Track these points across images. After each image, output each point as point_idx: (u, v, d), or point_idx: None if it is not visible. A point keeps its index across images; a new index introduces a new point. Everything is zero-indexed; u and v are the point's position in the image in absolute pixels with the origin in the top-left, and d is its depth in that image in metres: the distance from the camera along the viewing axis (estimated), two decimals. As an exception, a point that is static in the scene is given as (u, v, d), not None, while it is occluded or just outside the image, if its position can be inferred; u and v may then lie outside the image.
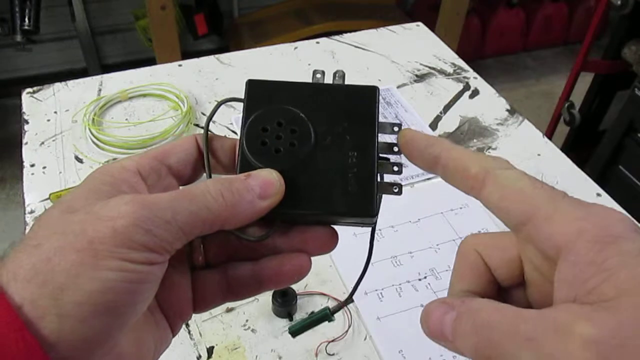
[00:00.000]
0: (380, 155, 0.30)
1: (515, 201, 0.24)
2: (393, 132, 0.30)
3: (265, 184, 0.27)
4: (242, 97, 0.31)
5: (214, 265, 0.30)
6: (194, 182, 0.31)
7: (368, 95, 0.30)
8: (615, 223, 0.22)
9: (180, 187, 0.30)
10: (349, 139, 0.29)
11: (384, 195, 0.30)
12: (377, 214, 0.29)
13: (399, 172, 0.30)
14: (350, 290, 0.59)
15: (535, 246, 0.24)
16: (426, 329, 0.25)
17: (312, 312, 0.57)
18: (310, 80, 0.31)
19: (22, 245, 0.23)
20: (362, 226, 0.30)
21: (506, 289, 0.28)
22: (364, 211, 0.28)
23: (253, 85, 0.31)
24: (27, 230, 0.65)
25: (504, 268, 0.27)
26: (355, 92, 0.30)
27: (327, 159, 0.29)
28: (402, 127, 0.30)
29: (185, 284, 0.29)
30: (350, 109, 0.30)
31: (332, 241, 0.30)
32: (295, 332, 0.55)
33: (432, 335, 0.25)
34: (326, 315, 0.55)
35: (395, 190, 0.29)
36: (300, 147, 0.29)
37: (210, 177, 0.29)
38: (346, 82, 0.31)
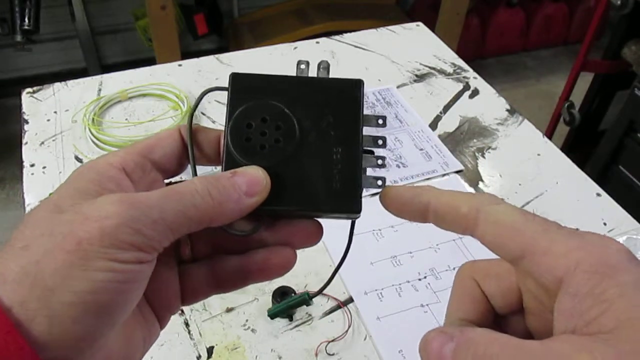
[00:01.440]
0: (365, 148, 0.30)
1: (509, 237, 0.24)
2: (378, 125, 0.30)
3: (251, 181, 0.27)
4: (226, 86, 0.30)
5: (200, 258, 0.30)
6: (179, 174, 0.31)
7: (352, 89, 0.30)
8: (612, 253, 0.22)
9: (167, 184, 0.30)
10: (334, 134, 0.29)
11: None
12: (360, 211, 0.29)
13: (383, 166, 0.30)
14: (350, 290, 0.59)
15: (534, 279, 0.24)
16: (426, 358, 0.25)
17: (292, 296, 0.57)
18: (294, 72, 0.31)
19: (9, 246, 0.23)
20: (347, 219, 0.30)
21: (504, 316, 0.28)
22: (349, 208, 0.29)
23: (237, 79, 0.30)
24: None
25: (501, 296, 0.27)
26: (339, 85, 0.30)
27: (312, 155, 0.29)
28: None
29: (173, 277, 0.29)
30: (334, 103, 0.30)
31: (317, 234, 0.30)
32: (273, 314, 0.56)
33: None
34: (304, 300, 0.55)
35: (379, 184, 0.30)
36: (285, 143, 0.29)
37: (194, 171, 0.30)
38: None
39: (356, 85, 0.30)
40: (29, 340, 0.21)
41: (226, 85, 0.31)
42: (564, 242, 0.23)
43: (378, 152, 0.30)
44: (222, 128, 0.30)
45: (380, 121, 0.30)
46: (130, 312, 0.25)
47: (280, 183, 0.28)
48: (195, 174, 0.29)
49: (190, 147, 0.30)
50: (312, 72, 0.31)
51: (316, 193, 0.29)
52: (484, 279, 0.28)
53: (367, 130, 0.30)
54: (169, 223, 0.24)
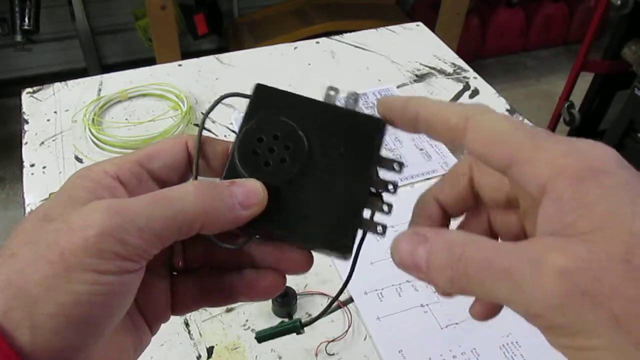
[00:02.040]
0: (374, 190, 0.29)
1: (497, 146, 0.23)
2: (394, 170, 0.29)
3: (248, 192, 0.26)
4: (244, 92, 0.30)
5: (193, 269, 0.30)
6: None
7: (372, 127, 0.29)
8: (598, 157, 0.21)
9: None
10: (343, 167, 0.28)
11: None
12: (351, 252, 0.28)
13: (388, 213, 0.29)
14: (350, 290, 0.59)
15: (522, 187, 0.23)
16: (397, 259, 0.24)
17: (283, 322, 0.54)
18: (323, 94, 0.30)
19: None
20: (336, 258, 0.29)
21: (493, 210, 0.28)
22: (339, 248, 0.27)
23: (260, 91, 0.29)
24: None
25: (494, 191, 0.27)
26: (361, 120, 0.29)
27: (315, 183, 0.28)
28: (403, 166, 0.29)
29: (164, 286, 0.29)
30: (351, 137, 0.29)
31: (306, 264, 0.29)
32: (260, 338, 0.53)
33: (402, 266, 0.24)
34: (295, 327, 0.52)
35: (379, 231, 0.28)
36: (291, 165, 0.28)
37: (196, 178, 0.29)
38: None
39: (376, 124, 0.29)
40: (14, 349, 0.21)
41: (227, 93, 0.30)
42: (551, 149, 0.22)
43: (387, 198, 0.29)
44: (233, 135, 0.30)
45: (397, 167, 0.29)
46: (119, 322, 0.24)
47: (277, 204, 0.27)
48: (196, 179, 0.29)
49: (196, 153, 0.29)
50: (339, 94, 0.31)
51: (309, 223, 0.27)
52: (483, 171, 0.28)
53: (381, 173, 0.29)
54: (157, 230, 0.23)
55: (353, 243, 0.28)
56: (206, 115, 0.31)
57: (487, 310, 0.28)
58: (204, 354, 0.54)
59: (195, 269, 0.30)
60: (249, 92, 0.30)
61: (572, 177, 0.21)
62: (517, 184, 0.24)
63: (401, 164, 0.29)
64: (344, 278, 0.31)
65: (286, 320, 0.56)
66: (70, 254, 0.22)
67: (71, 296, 0.22)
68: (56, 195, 0.25)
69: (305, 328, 0.55)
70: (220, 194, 0.25)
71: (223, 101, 0.31)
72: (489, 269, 0.21)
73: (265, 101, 0.29)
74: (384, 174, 0.29)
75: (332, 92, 0.30)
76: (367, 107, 0.84)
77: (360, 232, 0.28)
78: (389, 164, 0.29)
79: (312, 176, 0.28)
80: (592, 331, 0.19)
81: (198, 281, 0.30)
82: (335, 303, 0.58)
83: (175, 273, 0.30)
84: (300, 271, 0.29)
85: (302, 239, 0.28)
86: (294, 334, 0.52)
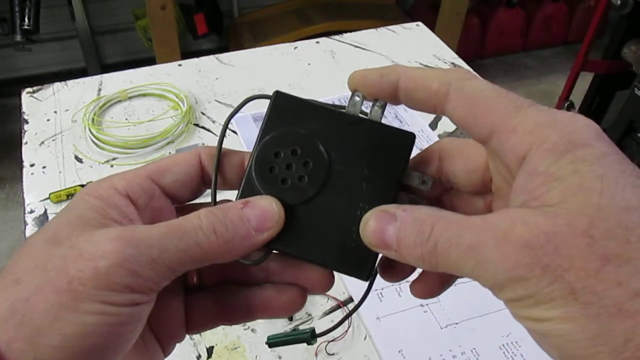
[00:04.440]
0: None
1: (479, 114, 0.23)
2: (420, 184, 0.27)
3: (262, 215, 0.25)
4: (265, 94, 0.28)
5: (207, 286, 0.29)
6: (192, 201, 0.29)
7: (401, 143, 0.27)
8: (578, 130, 0.21)
9: (172, 217, 0.28)
10: (365, 187, 0.26)
11: None
12: (369, 278, 0.27)
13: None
14: (350, 290, 0.59)
15: (500, 159, 0.23)
16: (366, 239, 0.24)
17: (295, 330, 0.54)
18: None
19: (2, 277, 0.22)
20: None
21: (467, 195, 0.28)
22: (357, 273, 0.26)
23: (279, 99, 0.28)
24: (26, 231, 0.65)
25: (467, 175, 0.26)
26: (388, 135, 0.27)
27: (335, 204, 0.26)
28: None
29: (178, 305, 0.28)
30: (376, 154, 0.27)
31: (327, 283, 0.28)
32: (271, 344, 0.53)
33: (372, 246, 0.24)
34: (306, 339, 0.51)
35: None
36: (309, 184, 0.26)
37: (215, 199, 0.27)
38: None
39: (406, 140, 0.27)
40: None
41: (253, 95, 0.29)
42: (532, 120, 0.21)
43: None
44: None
45: (424, 182, 0.27)
46: (127, 351, 0.23)
47: (293, 224, 0.26)
48: (215, 201, 0.27)
49: (214, 183, 0.27)
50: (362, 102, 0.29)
51: (328, 246, 0.26)
52: (454, 157, 0.27)
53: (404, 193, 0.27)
54: (169, 262, 0.23)
55: (373, 268, 0.27)
56: (225, 125, 0.29)
57: (427, 289, 0.28)
58: (204, 354, 0.54)
59: (210, 286, 0.29)
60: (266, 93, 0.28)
61: (549, 150, 0.20)
62: (496, 156, 0.24)
63: (428, 180, 0.27)
64: (344, 278, 0.31)
65: (290, 324, 0.56)
66: (79, 284, 0.21)
67: (78, 327, 0.21)
68: (64, 214, 0.24)
69: (304, 325, 0.55)
70: (232, 223, 0.24)
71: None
72: (457, 246, 0.21)
73: (285, 111, 0.27)
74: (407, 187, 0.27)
75: (357, 98, 0.27)
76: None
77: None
78: (415, 179, 0.27)
79: (332, 195, 0.26)
80: (550, 302, 0.19)
81: (214, 298, 0.28)
82: (336, 303, 0.58)
83: (189, 290, 0.29)
84: (321, 290, 0.29)
85: (319, 261, 0.27)
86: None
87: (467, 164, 0.26)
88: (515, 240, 0.20)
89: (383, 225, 0.23)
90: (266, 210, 0.25)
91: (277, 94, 0.28)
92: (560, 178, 0.20)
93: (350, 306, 0.58)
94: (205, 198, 0.28)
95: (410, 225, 0.22)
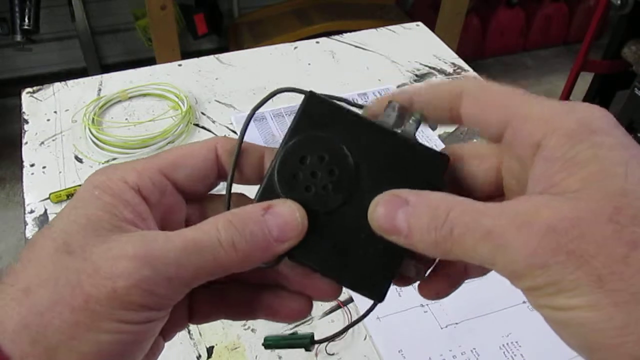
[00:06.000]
0: None
1: (492, 110, 0.23)
2: (416, 276, 0.27)
3: (285, 225, 0.24)
4: (297, 88, 0.27)
5: (213, 280, 0.29)
6: (205, 195, 0.28)
7: (433, 165, 0.26)
8: (595, 118, 0.21)
9: (187, 225, 0.27)
10: None
11: None
12: (383, 300, 0.26)
13: (419, 275, 0.27)
14: (349, 291, 0.59)
15: (515, 150, 0.23)
16: (375, 223, 0.23)
17: (294, 334, 0.54)
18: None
19: (8, 285, 0.22)
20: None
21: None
22: (371, 294, 0.26)
23: (312, 101, 0.26)
24: (26, 231, 0.65)
25: (483, 175, 0.26)
26: (421, 154, 0.26)
27: (357, 219, 0.25)
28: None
29: (183, 298, 0.28)
30: (406, 172, 0.26)
31: (334, 294, 0.28)
32: (268, 345, 0.53)
33: (381, 231, 0.23)
34: (306, 345, 0.52)
35: (413, 273, 0.26)
36: (333, 194, 0.25)
37: (229, 203, 0.26)
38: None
39: (440, 162, 0.26)
40: None
41: (280, 88, 0.28)
42: (547, 108, 0.21)
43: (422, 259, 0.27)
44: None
45: (418, 273, 0.27)
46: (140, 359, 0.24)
47: (312, 234, 0.25)
48: (229, 206, 0.26)
49: (229, 187, 0.26)
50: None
51: (345, 262, 0.25)
52: (468, 158, 0.27)
53: None
54: (186, 280, 0.23)
55: (386, 292, 0.26)
56: (246, 124, 0.27)
57: (436, 290, 0.27)
58: (204, 354, 0.54)
59: (216, 280, 0.29)
60: (290, 89, 0.28)
61: (566, 135, 0.20)
62: (510, 148, 0.23)
63: (421, 269, 0.26)
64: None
65: (290, 325, 0.56)
66: (95, 303, 0.21)
67: (94, 346, 0.21)
68: (72, 210, 0.23)
69: (305, 328, 0.56)
70: (252, 234, 0.23)
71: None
72: (474, 231, 0.20)
73: (316, 114, 0.26)
74: None
75: (392, 112, 0.26)
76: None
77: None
78: (411, 269, 0.26)
79: (356, 209, 0.25)
80: (574, 290, 0.18)
81: (219, 292, 0.28)
82: (335, 303, 0.58)
83: None
84: (327, 299, 0.28)
85: (335, 276, 0.26)
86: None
87: (481, 163, 0.26)
88: (539, 225, 0.19)
89: (393, 209, 0.23)
90: (289, 220, 0.24)
91: (311, 95, 0.26)
92: (579, 163, 0.20)
93: (350, 306, 0.58)
94: (218, 189, 0.27)
95: (424, 209, 0.22)
